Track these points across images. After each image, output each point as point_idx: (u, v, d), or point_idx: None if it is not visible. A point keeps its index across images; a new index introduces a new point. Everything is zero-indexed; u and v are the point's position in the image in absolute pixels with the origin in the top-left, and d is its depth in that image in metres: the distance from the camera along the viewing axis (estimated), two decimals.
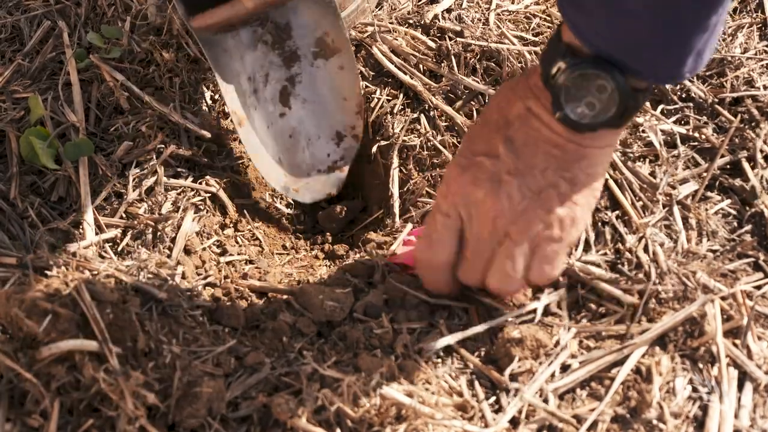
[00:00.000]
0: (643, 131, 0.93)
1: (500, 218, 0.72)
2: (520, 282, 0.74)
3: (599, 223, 0.85)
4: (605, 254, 0.82)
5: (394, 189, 0.98)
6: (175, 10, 1.03)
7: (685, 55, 0.64)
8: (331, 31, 1.02)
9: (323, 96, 1.03)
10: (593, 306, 0.78)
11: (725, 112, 0.95)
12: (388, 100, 1.03)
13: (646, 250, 0.81)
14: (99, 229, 0.87)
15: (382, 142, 1.02)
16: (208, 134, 1.00)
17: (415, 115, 1.01)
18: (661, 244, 0.81)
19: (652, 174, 0.89)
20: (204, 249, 0.88)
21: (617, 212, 0.86)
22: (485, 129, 0.76)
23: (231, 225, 0.96)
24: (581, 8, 0.65)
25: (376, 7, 1.14)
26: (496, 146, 0.74)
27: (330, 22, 1.01)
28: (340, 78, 1.02)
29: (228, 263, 0.88)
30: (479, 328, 0.76)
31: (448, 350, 0.75)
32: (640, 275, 0.79)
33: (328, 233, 1.03)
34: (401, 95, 1.03)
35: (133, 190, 0.91)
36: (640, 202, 0.86)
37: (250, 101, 1.00)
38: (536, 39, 1.08)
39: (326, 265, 0.95)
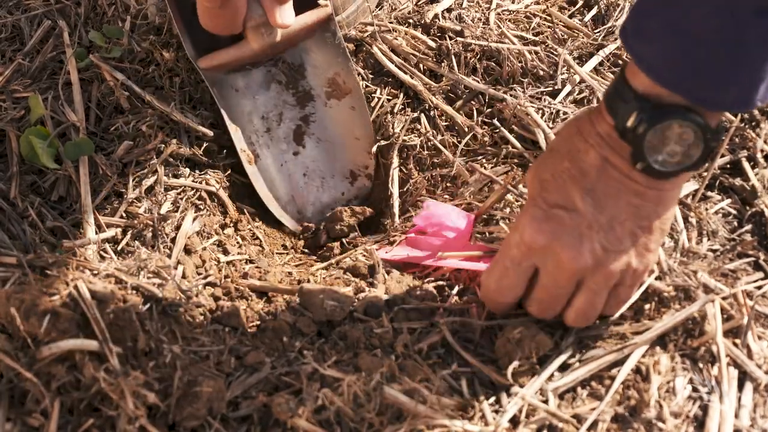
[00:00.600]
0: None
1: (581, 270, 0.72)
2: (596, 317, 0.75)
3: None
4: None
5: (394, 189, 0.98)
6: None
7: (758, 82, 0.63)
8: (342, 71, 1.02)
9: (337, 135, 1.04)
10: None
11: (725, 112, 0.95)
12: (388, 100, 1.03)
13: None
14: (99, 228, 0.87)
15: (383, 142, 1.02)
16: (210, 132, 1.00)
17: (416, 115, 1.01)
18: (662, 244, 0.81)
19: None
20: (204, 249, 0.88)
21: None
22: (557, 180, 0.73)
23: (231, 225, 0.96)
24: (645, 36, 0.65)
25: (377, 7, 1.14)
26: (572, 198, 0.72)
27: (341, 63, 1.02)
28: (353, 118, 1.03)
29: (228, 263, 0.88)
30: (479, 328, 0.76)
31: (449, 350, 0.75)
32: None
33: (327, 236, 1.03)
34: (401, 95, 1.03)
35: (133, 190, 0.91)
36: None
37: (262, 140, 1.02)
38: (536, 38, 1.08)
39: (326, 266, 0.94)
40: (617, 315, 0.76)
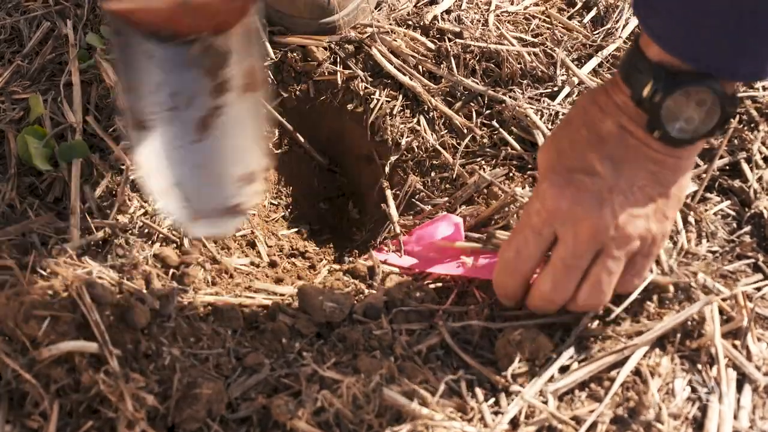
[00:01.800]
0: None
1: (601, 234, 0.71)
2: (609, 295, 0.74)
3: None
4: None
5: (391, 210, 0.98)
6: None
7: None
8: (258, 64, 0.95)
9: (242, 134, 0.95)
10: None
11: None
12: (387, 101, 1.03)
13: None
14: (95, 230, 0.87)
15: (381, 144, 1.02)
16: None
17: (415, 117, 1.01)
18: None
19: None
20: (203, 249, 0.88)
21: None
22: (576, 147, 0.74)
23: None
24: (655, 7, 0.66)
25: (376, 8, 1.14)
26: (592, 163, 0.72)
27: (258, 55, 0.93)
28: (259, 118, 0.96)
29: (227, 262, 0.88)
30: (478, 329, 0.76)
31: (448, 351, 0.75)
32: None
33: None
34: (400, 96, 1.03)
35: (130, 191, 0.91)
36: None
37: (165, 115, 0.91)
38: (535, 40, 1.08)
39: (327, 267, 0.94)
40: (634, 295, 0.75)
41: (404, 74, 1.04)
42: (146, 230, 0.87)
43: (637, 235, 0.72)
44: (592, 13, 1.15)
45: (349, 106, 1.06)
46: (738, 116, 0.94)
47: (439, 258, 0.86)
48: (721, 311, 0.75)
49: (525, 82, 1.02)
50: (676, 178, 0.73)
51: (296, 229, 1.06)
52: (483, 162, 0.96)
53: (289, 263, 0.98)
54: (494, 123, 0.99)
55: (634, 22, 1.13)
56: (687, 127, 0.69)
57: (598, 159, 0.72)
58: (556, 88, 1.02)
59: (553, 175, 0.74)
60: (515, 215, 0.88)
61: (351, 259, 0.92)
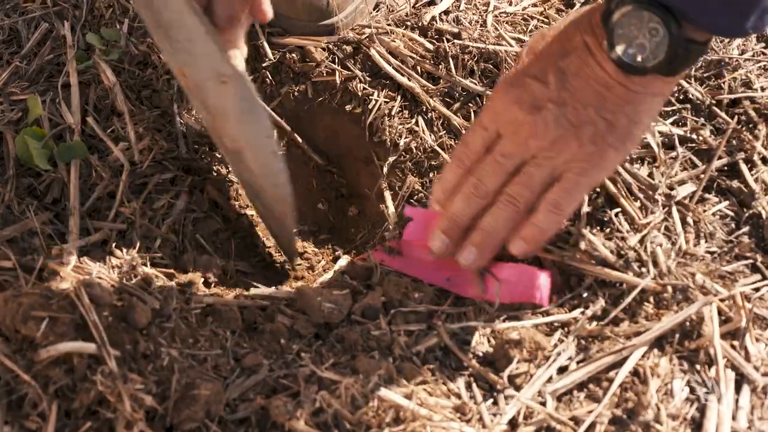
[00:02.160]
0: None
1: (532, 139, 0.76)
2: (529, 201, 0.77)
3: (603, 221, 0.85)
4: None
5: (389, 191, 0.98)
6: None
7: (750, 8, 0.65)
8: None
9: None
10: (593, 306, 0.78)
11: (723, 114, 0.95)
12: (386, 102, 1.03)
13: (646, 251, 0.81)
14: (93, 230, 0.87)
15: (379, 144, 1.02)
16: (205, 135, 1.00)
17: (413, 117, 1.01)
18: (659, 245, 0.82)
19: (650, 176, 0.89)
20: (201, 250, 0.88)
21: (617, 209, 0.86)
22: (542, 57, 0.78)
23: (228, 227, 0.96)
24: None
25: (374, 9, 1.14)
26: (546, 73, 0.76)
27: None
28: None
29: (225, 263, 0.88)
30: (477, 330, 0.76)
31: (446, 352, 0.75)
32: (642, 276, 0.79)
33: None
34: (399, 97, 1.03)
35: (129, 192, 0.91)
36: (638, 202, 0.86)
37: None
38: None
39: (326, 267, 0.95)
40: (551, 228, 0.78)
41: (402, 75, 1.04)
42: (145, 231, 0.87)
43: (567, 147, 0.76)
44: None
45: (348, 107, 1.06)
46: (736, 117, 0.94)
47: (431, 266, 0.86)
48: (720, 312, 0.75)
49: None
50: (624, 110, 0.75)
51: (295, 230, 1.06)
52: None
53: (288, 264, 0.98)
54: None
55: None
56: (637, 54, 0.71)
57: (553, 70, 0.76)
58: None
59: (510, 76, 0.80)
60: None
61: (351, 259, 0.92)
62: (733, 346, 0.73)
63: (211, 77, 0.79)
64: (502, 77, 0.84)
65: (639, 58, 0.71)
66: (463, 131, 0.98)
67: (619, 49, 0.71)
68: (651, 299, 0.77)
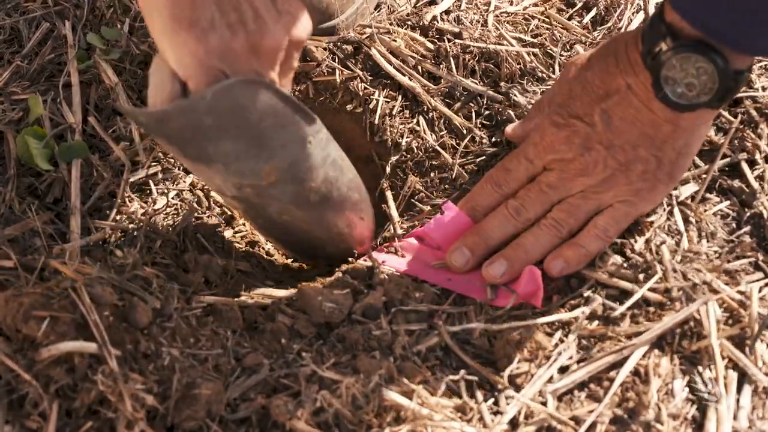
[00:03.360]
0: None
1: (581, 178, 0.78)
2: (573, 229, 0.79)
3: None
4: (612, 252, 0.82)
5: (392, 210, 0.98)
6: None
7: None
8: None
9: None
10: (594, 307, 0.78)
11: (725, 113, 0.95)
12: (387, 102, 1.03)
13: (650, 250, 0.81)
14: (94, 230, 0.87)
15: (380, 144, 1.02)
16: None
17: (414, 117, 1.01)
18: (663, 243, 0.81)
19: None
20: (202, 250, 0.88)
21: None
22: (585, 95, 0.79)
23: (229, 226, 0.96)
24: None
25: (375, 9, 1.14)
26: (592, 115, 0.78)
27: None
28: None
29: (226, 263, 0.88)
30: (478, 329, 0.76)
31: (447, 352, 0.75)
32: (644, 275, 0.79)
33: None
34: (400, 97, 1.03)
35: (129, 191, 0.91)
36: None
37: None
38: (535, 41, 1.08)
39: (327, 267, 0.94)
40: (597, 248, 0.79)
41: (403, 74, 1.04)
42: (146, 230, 0.87)
43: (617, 184, 0.78)
44: (592, 13, 1.15)
45: (349, 107, 1.05)
46: (738, 116, 0.94)
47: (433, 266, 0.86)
48: (721, 311, 0.75)
49: (524, 82, 1.02)
50: (674, 145, 0.76)
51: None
52: (482, 162, 0.96)
53: (288, 263, 0.98)
54: (494, 123, 0.99)
55: (636, 21, 1.13)
56: (687, 93, 0.72)
57: (599, 112, 0.78)
58: None
59: (555, 115, 0.81)
60: None
61: (350, 259, 0.92)
62: (735, 346, 0.73)
63: (301, 146, 0.78)
64: (540, 107, 0.86)
65: (688, 97, 0.71)
66: (464, 131, 0.98)
67: (668, 90, 0.72)
68: (652, 298, 0.77)
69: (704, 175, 0.89)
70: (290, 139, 0.76)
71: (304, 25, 0.72)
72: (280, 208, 0.83)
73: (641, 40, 0.74)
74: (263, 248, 0.98)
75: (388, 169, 1.00)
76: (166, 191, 0.93)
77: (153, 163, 0.94)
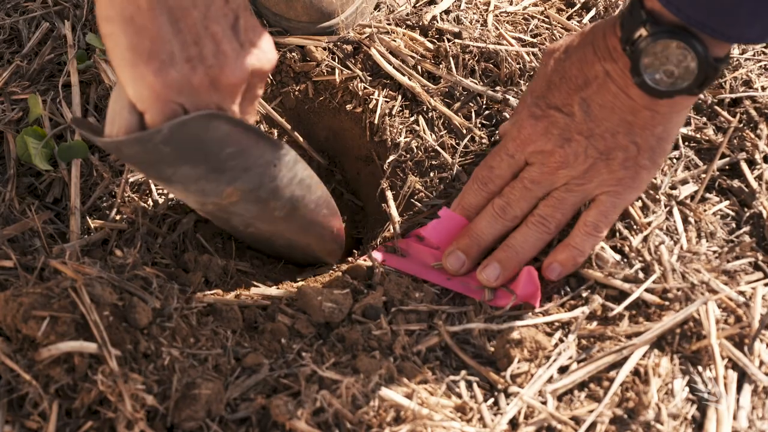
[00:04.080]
0: None
1: (563, 169, 0.78)
2: (560, 223, 0.80)
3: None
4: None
5: (390, 191, 0.98)
6: None
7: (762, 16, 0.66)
8: None
9: None
10: (593, 307, 0.78)
11: (724, 113, 0.95)
12: (386, 102, 1.03)
13: (649, 250, 0.81)
14: (94, 230, 0.87)
15: (380, 144, 1.02)
16: None
17: (414, 117, 1.01)
18: (662, 243, 0.81)
19: None
20: (202, 250, 0.88)
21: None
22: (564, 84, 0.79)
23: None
24: None
25: (375, 9, 1.14)
26: (571, 104, 0.78)
27: None
28: None
29: (226, 263, 0.88)
30: (478, 329, 0.76)
31: (447, 351, 0.75)
32: (643, 275, 0.79)
33: None
34: (399, 96, 1.03)
35: (130, 191, 0.91)
36: (639, 201, 0.86)
37: None
38: (534, 40, 1.08)
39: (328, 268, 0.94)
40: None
41: (403, 74, 1.04)
42: (146, 230, 0.87)
43: (599, 174, 0.78)
44: (592, 13, 1.15)
45: (348, 106, 1.05)
46: (737, 116, 0.94)
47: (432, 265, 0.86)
48: (721, 311, 0.75)
49: (524, 82, 1.02)
50: (653, 132, 0.76)
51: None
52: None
53: (288, 264, 0.98)
54: (493, 123, 0.99)
55: None
56: (665, 80, 0.72)
57: (578, 101, 0.78)
58: None
59: (533, 108, 0.81)
60: None
61: (350, 259, 0.92)
62: (734, 346, 0.73)
63: (265, 169, 0.79)
64: (523, 100, 0.85)
65: (667, 83, 0.72)
66: (464, 131, 0.98)
67: (646, 76, 0.72)
68: (652, 298, 0.77)
69: (703, 175, 0.89)
70: (253, 163, 0.77)
71: (267, 57, 0.69)
72: (245, 222, 0.85)
73: (620, 27, 0.74)
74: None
75: (387, 169, 1.00)
76: (165, 191, 0.93)
77: None
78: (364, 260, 0.87)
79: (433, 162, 0.97)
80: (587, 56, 0.78)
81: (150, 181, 0.93)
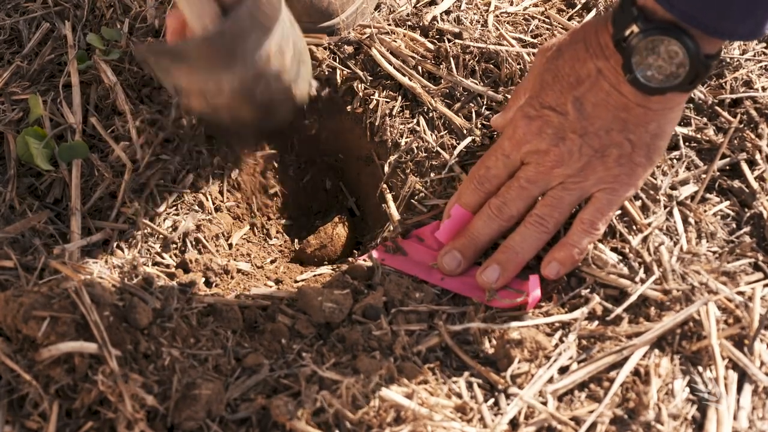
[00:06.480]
0: None
1: (558, 168, 0.78)
2: (558, 222, 0.80)
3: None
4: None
5: (390, 191, 0.98)
6: None
7: (756, 13, 0.67)
8: None
9: None
10: (593, 307, 0.78)
11: (725, 113, 0.95)
12: (387, 102, 1.03)
13: (649, 251, 0.81)
14: (94, 230, 0.87)
15: (380, 144, 1.02)
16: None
17: (414, 117, 1.01)
18: (661, 244, 0.81)
19: (653, 175, 0.89)
20: (202, 250, 0.88)
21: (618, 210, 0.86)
22: (557, 83, 0.79)
23: (229, 225, 0.96)
24: None
25: (375, 9, 1.14)
26: (565, 103, 0.78)
27: None
28: None
29: (226, 263, 0.88)
30: (478, 330, 0.76)
31: (447, 352, 0.75)
32: (643, 275, 0.79)
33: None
34: (400, 97, 1.03)
35: (130, 192, 0.91)
36: (639, 202, 0.86)
37: None
38: (535, 41, 1.08)
39: (330, 268, 0.94)
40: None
41: (404, 75, 1.04)
42: (147, 231, 0.87)
43: (594, 172, 0.78)
44: (592, 13, 1.15)
45: (349, 107, 1.05)
46: (738, 116, 0.94)
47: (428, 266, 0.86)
48: (721, 311, 0.75)
49: None
50: (647, 129, 0.77)
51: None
52: None
53: (288, 263, 0.98)
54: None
55: None
56: (657, 76, 0.72)
57: (571, 100, 0.78)
58: None
59: (527, 108, 0.81)
60: None
61: (350, 259, 0.92)
62: (735, 346, 0.73)
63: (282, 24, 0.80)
64: (516, 96, 0.86)
65: (659, 80, 0.72)
66: (464, 131, 0.98)
67: (638, 73, 0.72)
68: (653, 300, 0.77)
69: (704, 175, 0.89)
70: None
71: None
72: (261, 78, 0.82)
73: (612, 24, 0.74)
74: (263, 248, 0.98)
75: (387, 170, 1.00)
76: (165, 192, 0.93)
77: (152, 158, 0.94)
78: (364, 260, 0.87)
79: (434, 162, 0.97)
80: (579, 54, 0.78)
81: (153, 180, 0.92)
